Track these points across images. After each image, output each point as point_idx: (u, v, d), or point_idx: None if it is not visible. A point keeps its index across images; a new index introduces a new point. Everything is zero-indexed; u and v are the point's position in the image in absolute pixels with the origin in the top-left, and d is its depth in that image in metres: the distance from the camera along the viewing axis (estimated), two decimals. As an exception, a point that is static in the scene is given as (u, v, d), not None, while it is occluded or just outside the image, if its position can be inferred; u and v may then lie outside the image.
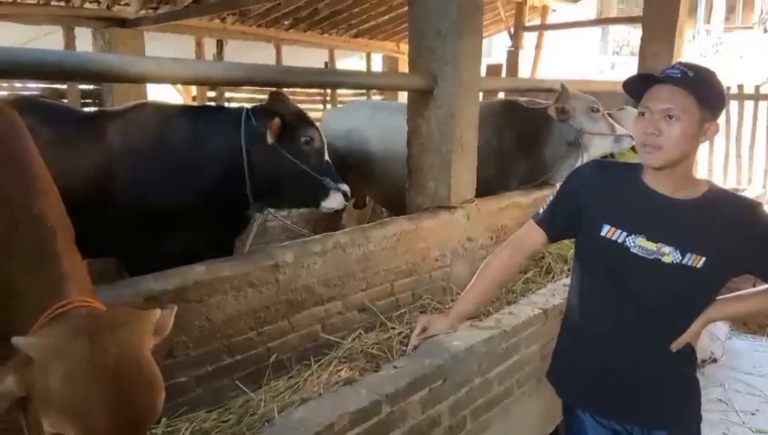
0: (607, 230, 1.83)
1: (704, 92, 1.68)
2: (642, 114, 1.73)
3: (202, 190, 2.95)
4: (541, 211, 2.05)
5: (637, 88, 1.78)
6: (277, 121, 2.94)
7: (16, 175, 1.59)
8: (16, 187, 1.57)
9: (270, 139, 2.93)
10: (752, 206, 1.77)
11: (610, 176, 1.92)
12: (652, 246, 1.75)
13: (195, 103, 8.71)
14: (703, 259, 1.71)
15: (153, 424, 1.47)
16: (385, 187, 4.65)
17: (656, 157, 1.70)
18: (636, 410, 1.89)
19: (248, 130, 2.98)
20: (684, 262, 1.72)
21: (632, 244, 1.78)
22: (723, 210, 1.74)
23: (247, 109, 3.10)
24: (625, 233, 1.80)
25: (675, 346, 1.82)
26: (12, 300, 1.48)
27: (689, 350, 1.87)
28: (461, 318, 2.24)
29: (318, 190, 3.08)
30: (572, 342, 2.05)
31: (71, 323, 1.39)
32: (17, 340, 1.30)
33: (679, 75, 1.67)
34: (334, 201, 3.09)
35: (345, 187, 3.11)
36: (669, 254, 1.73)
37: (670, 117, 1.66)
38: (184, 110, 3.38)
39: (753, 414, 3.75)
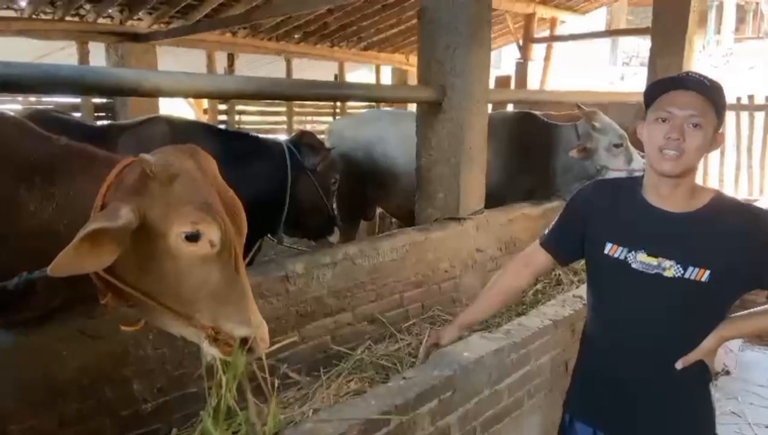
0: (609, 248, 1.81)
1: (720, 101, 1.67)
2: (662, 119, 1.68)
3: None
4: (547, 232, 2.05)
5: (652, 94, 1.74)
6: (327, 154, 3.38)
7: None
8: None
9: (320, 168, 3.33)
10: (759, 214, 1.72)
11: (612, 194, 1.90)
12: (652, 261, 1.72)
13: (205, 118, 8.80)
14: (707, 272, 1.66)
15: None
16: (409, 199, 4.57)
17: (677, 164, 1.66)
18: (639, 427, 1.85)
19: (293, 161, 3.28)
20: (686, 275, 1.68)
21: (633, 260, 1.76)
22: (727, 220, 1.70)
23: (288, 142, 3.43)
24: (626, 250, 1.77)
25: (682, 362, 1.75)
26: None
27: (701, 368, 1.79)
28: (465, 326, 2.27)
29: (330, 226, 3.46)
30: (584, 357, 2.04)
31: (166, 151, 1.60)
32: (144, 156, 1.52)
33: (697, 83, 1.66)
34: (335, 237, 3.48)
35: (340, 224, 3.55)
36: (670, 268, 1.70)
37: (695, 124, 1.64)
38: (212, 129, 3.54)
39: (767, 427, 3.70)
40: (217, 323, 1.60)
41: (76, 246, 1.41)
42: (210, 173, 1.63)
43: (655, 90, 1.73)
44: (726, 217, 1.71)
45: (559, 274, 4.05)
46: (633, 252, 1.76)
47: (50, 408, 2.01)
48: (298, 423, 2.04)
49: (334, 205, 3.54)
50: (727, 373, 4.33)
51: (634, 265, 1.76)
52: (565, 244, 1.99)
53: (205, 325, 1.60)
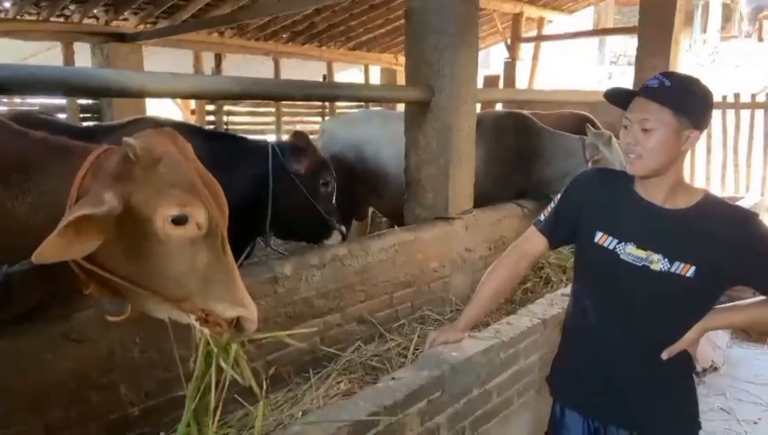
0: (599, 237, 1.86)
1: (680, 102, 1.70)
2: (624, 126, 1.78)
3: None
4: (542, 217, 2.08)
5: (625, 99, 1.81)
6: (311, 155, 3.27)
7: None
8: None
9: (301, 170, 3.22)
10: (747, 217, 1.77)
11: (607, 184, 1.95)
12: (641, 253, 1.78)
13: (193, 118, 8.75)
14: (693, 268, 1.72)
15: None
16: (400, 200, 4.40)
17: (638, 166, 1.76)
18: (625, 415, 1.90)
19: (275, 163, 3.18)
20: (672, 270, 1.74)
21: (622, 251, 1.81)
22: (716, 220, 1.75)
23: (273, 143, 3.33)
24: (615, 240, 1.83)
25: (667, 353, 1.82)
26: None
27: (685, 358, 1.86)
28: (471, 325, 2.25)
29: (324, 229, 3.32)
30: (568, 344, 2.09)
31: (147, 135, 1.60)
32: (127, 140, 1.50)
33: (656, 85, 1.71)
34: (334, 240, 3.33)
35: (343, 228, 3.41)
36: (657, 262, 1.76)
37: (646, 128, 1.71)
38: (193, 130, 3.48)
39: (755, 423, 3.72)
40: (207, 305, 1.60)
41: (60, 233, 1.40)
42: (190, 156, 1.64)
43: (620, 96, 1.82)
44: (715, 217, 1.76)
45: (548, 273, 4.07)
46: (623, 243, 1.81)
47: (36, 413, 1.99)
48: (287, 425, 2.04)
49: (330, 209, 3.42)
50: (715, 369, 4.36)
51: (622, 256, 1.81)
52: (560, 228, 2.03)
53: (194, 307, 1.60)
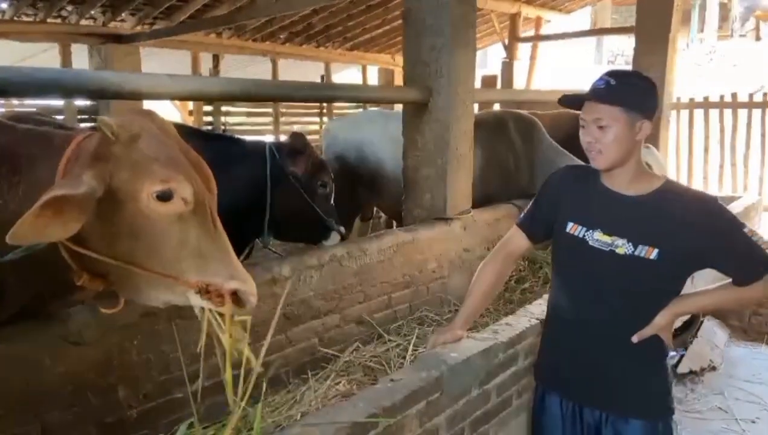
0: (570, 227, 1.98)
1: (628, 97, 1.81)
2: (582, 126, 1.90)
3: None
4: (522, 214, 2.21)
5: (579, 103, 1.91)
6: (308, 156, 3.25)
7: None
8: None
9: (298, 171, 3.20)
10: (707, 201, 1.86)
11: (578, 179, 2.07)
12: (607, 238, 1.89)
13: (191, 119, 8.74)
14: (656, 250, 1.81)
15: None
16: (400, 199, 4.36)
17: (600, 161, 1.87)
18: (599, 397, 1.99)
19: (273, 164, 3.17)
20: (636, 253, 1.83)
21: (590, 238, 1.92)
22: (678, 205, 1.84)
23: (271, 144, 3.30)
24: (584, 228, 1.94)
25: (637, 337, 1.90)
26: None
27: (656, 343, 1.93)
28: (468, 324, 2.31)
29: (323, 230, 3.30)
30: (549, 331, 2.20)
31: (124, 113, 1.61)
32: (103, 119, 1.49)
33: (603, 86, 1.83)
34: (333, 240, 3.31)
35: (342, 229, 3.38)
36: (622, 246, 1.85)
37: (602, 126, 1.82)
38: (190, 131, 3.46)
39: (753, 422, 3.73)
40: (205, 280, 1.56)
41: (36, 213, 1.37)
42: (171, 134, 1.62)
43: (574, 101, 1.93)
44: (676, 201, 1.86)
45: (547, 273, 4.07)
46: (590, 231, 1.93)
47: (33, 416, 1.98)
48: (286, 427, 2.03)
49: (329, 209, 3.41)
50: (713, 368, 4.37)
51: (591, 243, 1.92)
52: (539, 224, 2.15)
53: (192, 281, 1.56)
